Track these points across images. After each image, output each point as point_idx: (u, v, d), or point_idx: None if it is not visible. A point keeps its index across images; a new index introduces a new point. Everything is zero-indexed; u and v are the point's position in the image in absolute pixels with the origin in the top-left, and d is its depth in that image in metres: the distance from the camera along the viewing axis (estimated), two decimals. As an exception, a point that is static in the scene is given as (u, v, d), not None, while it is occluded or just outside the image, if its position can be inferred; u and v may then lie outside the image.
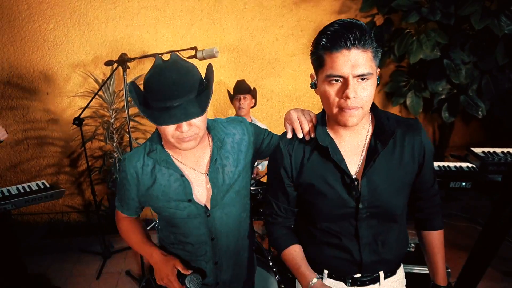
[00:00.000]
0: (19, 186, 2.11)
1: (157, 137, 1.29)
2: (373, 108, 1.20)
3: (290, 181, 1.22)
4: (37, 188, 2.15)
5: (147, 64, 3.60)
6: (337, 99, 1.03)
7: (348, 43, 0.97)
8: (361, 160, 1.15)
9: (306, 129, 1.19)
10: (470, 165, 2.32)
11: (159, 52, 3.04)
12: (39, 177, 3.71)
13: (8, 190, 2.07)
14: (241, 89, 3.00)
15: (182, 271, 1.24)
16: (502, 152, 2.22)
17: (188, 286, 1.21)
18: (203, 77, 1.22)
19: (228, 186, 1.32)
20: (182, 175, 1.27)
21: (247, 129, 1.42)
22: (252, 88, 3.08)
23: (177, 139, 1.17)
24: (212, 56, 2.13)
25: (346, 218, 1.17)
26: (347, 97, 1.00)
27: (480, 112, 3.33)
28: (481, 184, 2.16)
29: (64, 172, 3.75)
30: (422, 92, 3.56)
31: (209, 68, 1.22)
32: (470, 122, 4.45)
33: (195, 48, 2.21)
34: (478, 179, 2.16)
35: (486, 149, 2.24)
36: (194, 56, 2.21)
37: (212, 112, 3.89)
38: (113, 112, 3.42)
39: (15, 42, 3.34)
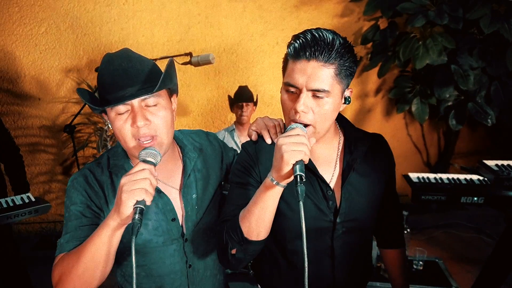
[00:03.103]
0: (2, 200, 1.98)
1: (122, 152, 1.14)
2: (342, 121, 1.19)
3: (258, 185, 1.09)
4: (21, 202, 2.02)
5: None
6: (291, 110, 1.00)
7: (307, 54, 0.94)
8: (335, 173, 1.12)
9: (274, 135, 1.15)
10: (481, 178, 2.18)
11: (155, 57, 2.92)
12: (31, 185, 3.56)
13: (-10, 205, 1.95)
14: (245, 97, 2.87)
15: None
16: (517, 165, 2.08)
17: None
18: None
19: (204, 205, 1.19)
20: (160, 191, 1.11)
21: (218, 143, 1.32)
22: (255, 96, 2.95)
23: (138, 144, 1.01)
24: (208, 62, 2.01)
25: (321, 235, 1.10)
26: (296, 111, 0.97)
27: (489, 120, 3.20)
28: (495, 200, 2.03)
29: (56, 180, 3.62)
30: (428, 99, 3.44)
31: (169, 62, 1.07)
32: (476, 129, 4.32)
33: (190, 54, 2.09)
34: (492, 194, 2.02)
35: (499, 162, 2.11)
36: (189, 62, 2.09)
37: (210, 117, 3.77)
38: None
39: (6, 46, 3.22)
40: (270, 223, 0.98)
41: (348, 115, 4.06)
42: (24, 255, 3.43)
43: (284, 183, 0.91)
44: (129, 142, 1.02)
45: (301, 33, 0.98)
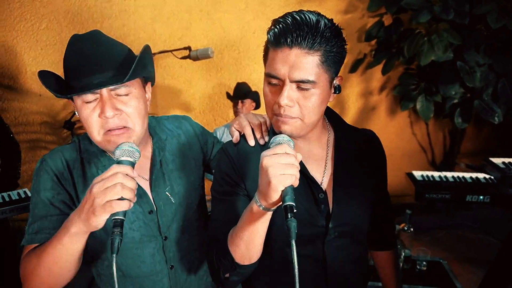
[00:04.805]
0: (-2, 195, 1.97)
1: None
2: (331, 115, 1.09)
3: (244, 194, 1.01)
4: (17, 197, 2.00)
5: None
6: (275, 104, 0.90)
7: (288, 41, 0.84)
8: (327, 173, 1.01)
9: (258, 134, 1.03)
10: (487, 176, 2.13)
11: (154, 52, 2.89)
12: (31, 182, 3.57)
13: (-15, 200, 1.93)
14: (239, 93, 2.86)
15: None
16: (525, 163, 2.02)
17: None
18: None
19: (180, 198, 1.09)
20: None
21: (194, 130, 1.21)
22: (252, 91, 2.92)
23: (105, 136, 0.92)
24: (207, 56, 1.98)
25: (312, 241, 0.99)
26: (279, 104, 0.87)
27: (496, 118, 3.13)
28: (501, 198, 1.97)
29: (57, 177, 3.61)
30: (434, 96, 3.37)
31: (144, 47, 0.98)
32: (483, 128, 4.24)
33: (189, 48, 2.06)
34: (498, 193, 1.96)
35: (506, 160, 2.05)
36: (188, 57, 2.06)
37: (212, 115, 3.73)
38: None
39: (7, 42, 3.21)
40: (262, 245, 0.89)
41: (352, 113, 4.01)
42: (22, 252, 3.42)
43: (274, 207, 0.81)
44: (96, 134, 0.94)
45: (281, 17, 0.88)
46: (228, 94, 3.00)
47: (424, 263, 2.18)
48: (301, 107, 0.88)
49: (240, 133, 1.05)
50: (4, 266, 2.40)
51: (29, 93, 3.36)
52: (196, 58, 2.03)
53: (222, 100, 3.66)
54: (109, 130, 0.93)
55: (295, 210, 0.74)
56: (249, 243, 0.86)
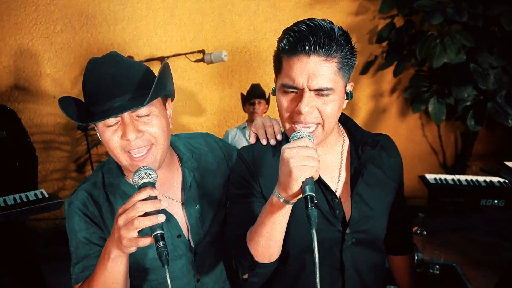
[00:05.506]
0: (16, 196, 2.01)
1: (117, 168, 1.05)
2: (346, 121, 1.09)
3: (260, 196, 1.01)
4: (34, 198, 2.04)
5: (155, 68, 3.49)
6: (293, 112, 0.89)
7: (307, 48, 0.83)
8: (341, 180, 1.02)
9: (270, 133, 1.05)
10: (501, 180, 2.11)
11: (168, 55, 2.92)
12: (45, 182, 3.63)
13: (4, 201, 1.97)
14: (257, 93, 2.87)
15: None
16: (541, 167, 2.00)
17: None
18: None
19: (210, 215, 1.10)
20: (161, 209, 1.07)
21: (219, 146, 1.20)
22: (268, 94, 2.94)
23: (129, 156, 0.93)
24: (221, 59, 2.00)
25: (329, 247, 0.98)
26: (299, 113, 0.87)
27: (510, 121, 3.09)
28: (517, 203, 1.95)
29: (70, 177, 3.66)
30: (446, 99, 3.35)
31: (163, 66, 0.97)
32: (494, 130, 4.19)
33: (202, 51, 2.08)
34: (513, 197, 1.95)
35: (521, 164, 2.03)
36: (202, 60, 2.08)
37: (223, 116, 3.75)
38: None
39: (22, 45, 3.27)
40: (281, 242, 0.89)
41: (362, 115, 4.00)
42: (37, 251, 3.47)
43: (294, 200, 0.81)
44: (119, 155, 0.94)
45: (294, 25, 0.87)
46: (242, 95, 3.00)
47: (437, 266, 2.16)
48: (321, 112, 0.88)
49: (256, 136, 1.08)
50: (20, 266, 2.45)
51: (43, 95, 3.42)
52: (210, 62, 2.05)
53: (233, 102, 3.68)
54: (133, 154, 0.94)
55: (315, 201, 0.75)
56: (268, 239, 0.86)
